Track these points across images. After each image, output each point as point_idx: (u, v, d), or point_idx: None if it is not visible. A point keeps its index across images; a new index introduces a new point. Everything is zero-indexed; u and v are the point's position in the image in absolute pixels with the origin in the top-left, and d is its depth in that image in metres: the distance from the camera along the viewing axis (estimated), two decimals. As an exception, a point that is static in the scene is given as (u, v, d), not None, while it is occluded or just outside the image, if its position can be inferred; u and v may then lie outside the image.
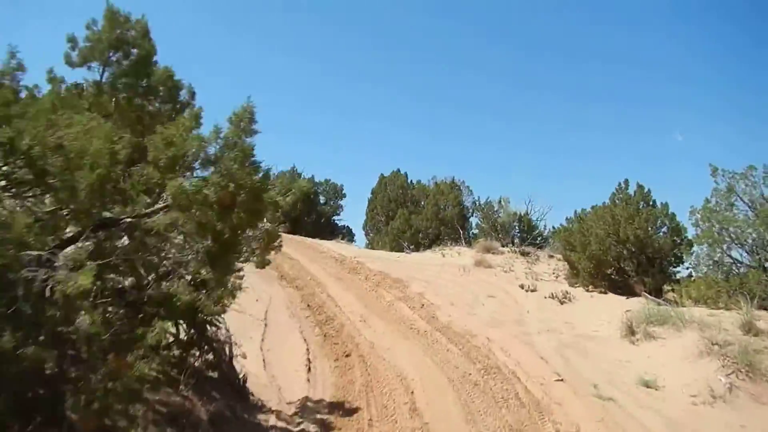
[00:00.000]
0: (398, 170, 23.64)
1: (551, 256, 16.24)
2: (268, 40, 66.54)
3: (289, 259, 14.45)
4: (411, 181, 23.46)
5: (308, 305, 10.35)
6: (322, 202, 24.84)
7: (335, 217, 25.29)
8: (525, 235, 17.98)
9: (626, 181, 13.31)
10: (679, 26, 45.93)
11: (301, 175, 24.53)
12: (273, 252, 6.50)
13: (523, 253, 16.09)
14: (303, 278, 12.54)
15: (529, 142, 62.57)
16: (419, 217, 21.69)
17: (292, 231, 22.35)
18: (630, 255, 12.48)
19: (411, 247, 21.10)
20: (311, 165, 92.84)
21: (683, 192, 43.03)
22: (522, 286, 12.30)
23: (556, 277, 13.86)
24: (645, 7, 46.93)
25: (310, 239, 18.57)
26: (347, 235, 24.90)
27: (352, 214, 54.99)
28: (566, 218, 18.03)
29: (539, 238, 17.93)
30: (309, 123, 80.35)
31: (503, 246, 17.27)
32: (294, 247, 16.23)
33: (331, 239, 20.79)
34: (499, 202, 19.03)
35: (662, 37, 47.83)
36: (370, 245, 22.43)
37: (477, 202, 20.06)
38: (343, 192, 25.23)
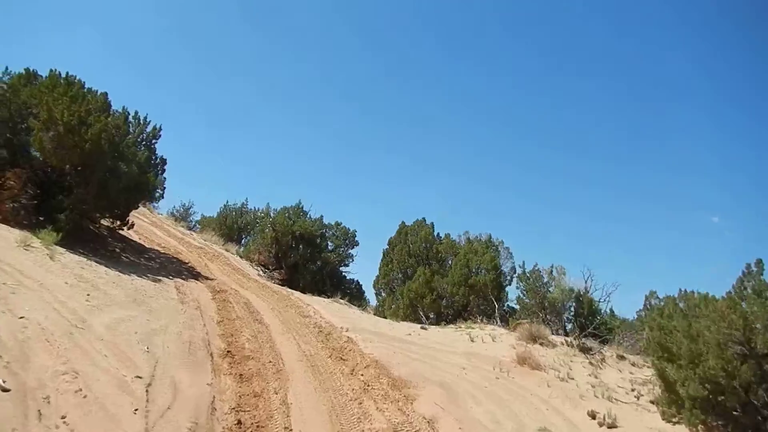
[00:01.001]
0: (423, 220, 19.49)
1: (622, 357, 11.68)
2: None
3: (258, 323, 10.33)
4: (438, 234, 19.25)
5: (238, 422, 6.06)
6: (329, 248, 20.78)
7: (343, 268, 21.11)
8: (584, 321, 13.43)
9: (759, 263, 8.84)
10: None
11: (307, 213, 20.61)
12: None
13: (583, 349, 11.56)
14: (260, 359, 8.35)
15: (571, 205, 58.66)
16: (444, 279, 17.38)
17: (288, 281, 18.27)
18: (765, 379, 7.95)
19: (430, 317, 16.70)
20: (322, 205, 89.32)
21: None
22: (592, 415, 7.85)
23: (638, 398, 9.32)
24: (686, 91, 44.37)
25: (303, 296, 14.42)
26: (355, 292, 20.62)
27: (364, 267, 50.92)
28: (647, 305, 13.60)
29: (602, 327, 13.32)
30: (327, 157, 77.81)
31: (554, 333, 12.80)
32: (274, 305, 12.14)
33: (332, 296, 16.63)
34: (551, 272, 14.59)
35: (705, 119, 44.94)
36: (381, 308, 18.10)
37: (521, 269, 15.55)
38: (356, 239, 21.17)
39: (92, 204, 12.12)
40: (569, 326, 14.38)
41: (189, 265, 15.57)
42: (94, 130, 11.73)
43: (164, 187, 34.98)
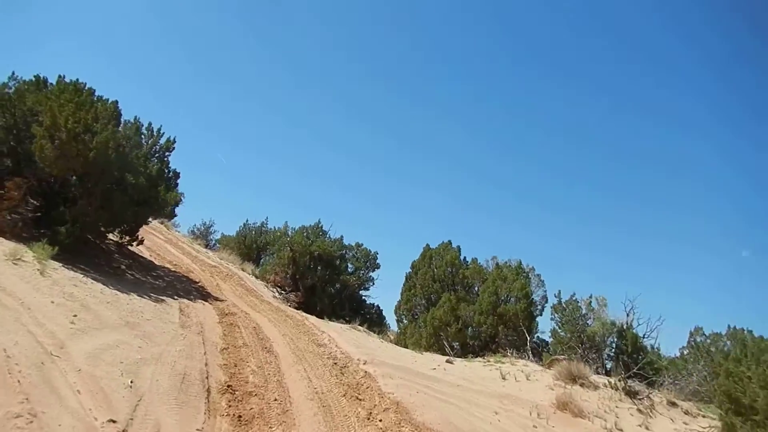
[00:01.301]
0: (449, 243, 18.35)
1: (673, 404, 10.32)
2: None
3: (266, 351, 9.30)
4: (464, 258, 18.08)
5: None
6: (349, 270, 19.72)
7: (363, 292, 20.00)
8: (627, 359, 12.08)
9: None
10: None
11: (326, 233, 19.63)
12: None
13: (630, 392, 10.24)
14: (265, 395, 7.29)
15: (599, 243, 57.31)
16: (471, 307, 16.17)
17: (305, 304, 17.23)
18: None
19: (455, 348, 15.47)
20: (342, 227, 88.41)
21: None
22: (654, 479, 6.61)
23: (700, 457, 8.03)
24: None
25: (319, 321, 13.34)
26: (375, 318, 19.47)
27: (386, 291, 49.66)
28: (692, 342, 12.30)
29: (647, 367, 11.94)
30: (350, 179, 77.23)
31: (594, 372, 11.49)
32: (286, 331, 11.11)
33: (350, 321, 15.51)
34: (589, 303, 13.30)
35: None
36: (402, 336, 16.90)
37: (557, 299, 14.23)
38: (377, 262, 20.08)
39: (95, 217, 11.27)
40: (609, 364, 13.05)
41: (199, 284, 14.65)
42: (99, 139, 10.96)
43: (178, 202, 34.72)
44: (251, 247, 29.05)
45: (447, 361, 11.90)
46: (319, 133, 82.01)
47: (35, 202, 12.44)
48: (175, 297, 11.70)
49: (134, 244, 14.69)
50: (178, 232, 29.29)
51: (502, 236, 62.85)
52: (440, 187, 76.16)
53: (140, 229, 14.80)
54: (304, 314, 13.87)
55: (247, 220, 29.85)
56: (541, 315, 17.04)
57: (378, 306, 20.19)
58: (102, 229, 12.21)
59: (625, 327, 12.58)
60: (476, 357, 13.93)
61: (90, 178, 11.21)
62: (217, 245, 31.29)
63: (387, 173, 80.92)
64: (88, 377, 5.75)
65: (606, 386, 10.66)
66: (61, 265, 9.86)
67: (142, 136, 14.30)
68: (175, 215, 35.04)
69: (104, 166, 11.22)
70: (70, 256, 11.17)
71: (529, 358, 13.83)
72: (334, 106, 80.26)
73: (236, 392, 7.17)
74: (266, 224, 29.23)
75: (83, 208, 11.18)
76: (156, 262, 15.88)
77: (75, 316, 7.41)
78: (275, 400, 7.20)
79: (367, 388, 8.09)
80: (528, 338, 14.74)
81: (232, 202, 71.16)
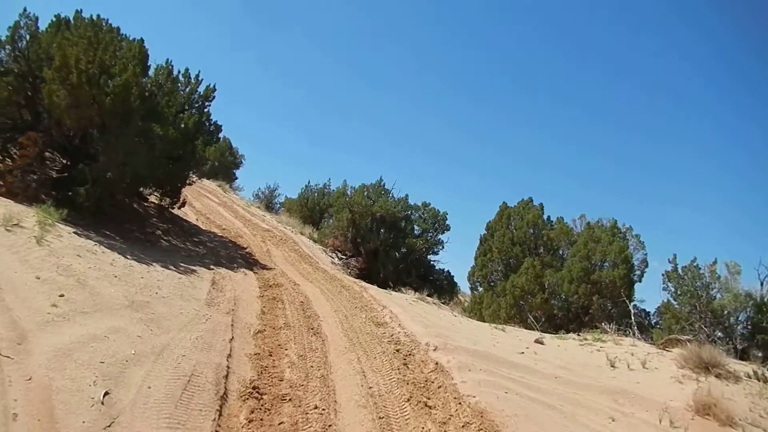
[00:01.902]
0: (530, 201, 15.85)
1: None
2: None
3: (313, 333, 7.46)
4: (548, 218, 15.57)
5: None
6: (415, 232, 17.63)
7: (432, 257, 17.89)
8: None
9: None
10: None
11: (389, 192, 17.56)
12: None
13: (787, 388, 7.71)
14: (303, 401, 5.39)
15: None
16: (558, 274, 13.79)
17: (366, 270, 15.37)
18: None
19: (540, 320, 13.20)
20: (407, 186, 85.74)
21: None
22: None
23: None
24: None
25: (380, 292, 11.40)
26: (445, 285, 17.38)
27: (457, 256, 47.35)
28: None
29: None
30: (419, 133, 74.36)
31: (731, 355, 8.99)
32: (340, 305, 9.27)
33: (417, 290, 13.51)
34: (714, 270, 10.60)
35: None
36: (477, 306, 14.76)
37: (672, 266, 11.49)
38: (447, 223, 17.84)
39: (118, 175, 9.68)
40: (741, 346, 10.42)
41: (246, 251, 13.04)
42: (118, 82, 9.26)
43: (236, 160, 33.59)
44: (313, 209, 27.84)
45: (536, 341, 9.68)
46: (386, 84, 79.52)
47: (63, 161, 11.11)
48: (212, 266, 10.05)
49: (176, 206, 13.21)
50: (238, 195, 28.25)
51: (585, 197, 58.81)
52: (511, 146, 72.43)
53: (183, 190, 13.32)
54: (363, 284, 11.97)
55: (309, 182, 28.54)
56: (640, 281, 14.47)
57: (448, 272, 18.06)
58: (128, 189, 10.64)
59: (766, 299, 9.88)
60: (568, 333, 11.63)
61: (110, 130, 9.59)
62: (282, 209, 30.30)
63: (454, 129, 77.83)
64: (39, 388, 4.02)
65: (750, 377, 8.16)
66: (73, 231, 8.33)
67: (179, 84, 12.62)
68: (235, 177, 34.75)
69: (125, 115, 9.55)
70: (95, 220, 9.74)
71: (635, 335, 11.42)
72: (404, 56, 77.39)
73: (264, 396, 5.31)
74: (329, 186, 27.89)
75: (104, 165, 9.61)
76: (202, 226, 14.42)
77: (62, 296, 5.75)
78: (315, 407, 5.30)
79: (440, 387, 6.05)
80: (632, 312, 12.26)
81: (300, 162, 70.45)
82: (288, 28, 79.95)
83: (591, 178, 69.61)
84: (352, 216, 16.79)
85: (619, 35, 63.94)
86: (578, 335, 11.18)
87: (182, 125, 11.28)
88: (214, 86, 12.98)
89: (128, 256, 8.23)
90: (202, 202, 19.06)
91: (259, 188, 32.24)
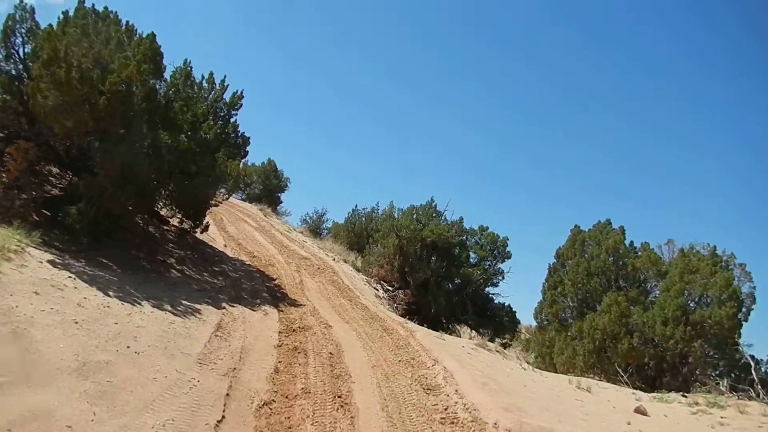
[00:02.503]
0: (608, 223, 13.47)
1: None
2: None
3: (339, 406, 5.51)
4: (631, 243, 13.12)
5: None
6: (471, 260, 15.46)
7: (491, 289, 15.64)
8: None
9: None
10: None
11: (441, 215, 15.51)
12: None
13: None
14: None
15: None
16: (648, 313, 11.32)
17: (416, 305, 13.33)
18: None
19: (629, 372, 10.74)
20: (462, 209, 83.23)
21: None
22: None
23: None
24: None
25: (430, 340, 9.27)
26: (507, 322, 15.09)
27: (519, 286, 44.47)
28: None
29: None
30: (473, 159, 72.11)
31: None
32: (380, 359, 7.24)
33: (476, 330, 11.33)
34: None
35: None
36: (547, 351, 12.41)
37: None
38: (507, 250, 15.59)
39: (116, 192, 8.03)
40: None
41: (275, 282, 11.21)
42: (115, 79, 7.67)
43: (281, 183, 32.22)
44: (360, 235, 26.20)
45: (637, 411, 7.33)
46: (446, 105, 77.91)
47: (69, 175, 9.66)
48: (225, 304, 8.21)
49: (199, 230, 11.59)
50: (282, 219, 26.86)
51: (650, 221, 54.95)
52: (572, 167, 69.28)
53: (206, 211, 11.71)
54: (410, 325, 9.91)
55: (356, 206, 26.98)
56: (746, 321, 11.81)
57: (509, 307, 15.75)
58: (133, 208, 9.01)
59: None
60: (669, 392, 9.17)
61: (108, 137, 8.00)
62: (329, 235, 28.89)
63: (510, 150, 75.29)
64: None
65: None
66: (49, 258, 6.68)
67: (202, 90, 11.10)
68: (280, 201, 33.43)
69: (126, 120, 7.95)
70: (95, 246, 8.14)
71: (760, 397, 8.91)
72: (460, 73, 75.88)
73: None
74: (377, 209, 26.29)
75: (99, 180, 8.00)
76: (229, 253, 12.72)
77: (-28, 358, 3.97)
78: None
79: None
80: (751, 362, 9.71)
81: (351, 185, 69.25)
82: (344, 47, 79.85)
83: (659, 200, 65.38)
84: (399, 242, 14.81)
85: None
86: (685, 397, 8.73)
87: (202, 135, 9.64)
88: (242, 93, 11.41)
89: (110, 293, 6.47)
90: (238, 227, 17.52)
91: (307, 213, 30.89)
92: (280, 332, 7.57)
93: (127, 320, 5.86)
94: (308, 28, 77.37)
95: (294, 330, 7.79)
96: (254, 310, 8.45)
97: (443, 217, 15.47)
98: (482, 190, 73.46)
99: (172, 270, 9.36)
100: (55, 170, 9.94)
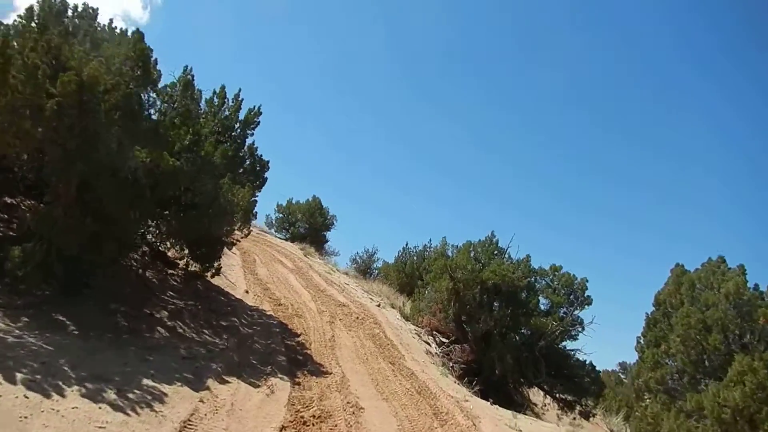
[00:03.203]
0: (722, 261, 10.53)
1: None
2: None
3: None
4: (756, 287, 10.10)
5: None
6: (542, 307, 12.73)
7: (567, 344, 12.78)
8: None
9: None
10: None
11: (504, 252, 12.91)
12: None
13: None
14: None
15: None
16: (796, 383, 8.28)
17: (476, 363, 10.77)
18: None
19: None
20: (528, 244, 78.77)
21: None
22: None
23: None
24: None
25: (499, 423, 6.69)
26: (589, 386, 12.17)
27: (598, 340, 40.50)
28: None
29: None
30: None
31: None
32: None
33: (550, 393, 8.59)
34: None
35: None
36: (651, 429, 9.47)
37: None
38: (587, 295, 12.77)
39: (71, 228, 5.99)
40: None
41: (299, 340, 8.91)
42: (69, 77, 5.74)
43: (326, 221, 30.32)
44: (411, 275, 23.83)
45: None
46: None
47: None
48: (213, 380, 5.91)
49: (208, 274, 9.52)
50: (327, 260, 24.80)
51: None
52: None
53: (220, 252, 9.65)
54: (470, 404, 7.35)
55: (406, 244, 24.71)
56: None
57: (591, 364, 12.79)
58: (105, 246, 6.90)
59: None
60: None
61: (67, 155, 6.02)
62: (379, 275, 26.72)
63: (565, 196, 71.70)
64: None
65: None
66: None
67: (213, 106, 9.21)
68: (326, 240, 31.35)
69: (88, 133, 5.97)
70: (67, 296, 6.15)
71: None
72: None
73: None
74: (429, 247, 24.01)
75: (51, 210, 6.02)
76: (249, 301, 10.56)
77: None
78: None
79: None
80: None
81: (402, 223, 66.95)
82: (398, 88, 78.95)
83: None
84: (454, 285, 12.27)
85: None
86: None
87: (201, 156, 7.61)
88: (259, 108, 9.47)
89: (23, 372, 4.31)
90: (271, 269, 15.46)
91: (356, 252, 28.78)
92: (283, 425, 5.20)
93: (19, 426, 3.65)
94: (366, 66, 77.03)
95: (305, 421, 5.41)
96: (256, 387, 6.14)
97: (506, 255, 12.87)
98: (538, 233, 69.71)
99: (159, 328, 7.20)
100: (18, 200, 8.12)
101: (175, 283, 9.35)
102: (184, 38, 67.21)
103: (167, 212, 7.49)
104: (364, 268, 27.98)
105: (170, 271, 9.72)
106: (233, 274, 12.39)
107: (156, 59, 7.30)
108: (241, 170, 9.52)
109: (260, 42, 72.72)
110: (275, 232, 29.41)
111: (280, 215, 29.99)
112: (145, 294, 8.12)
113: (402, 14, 70.52)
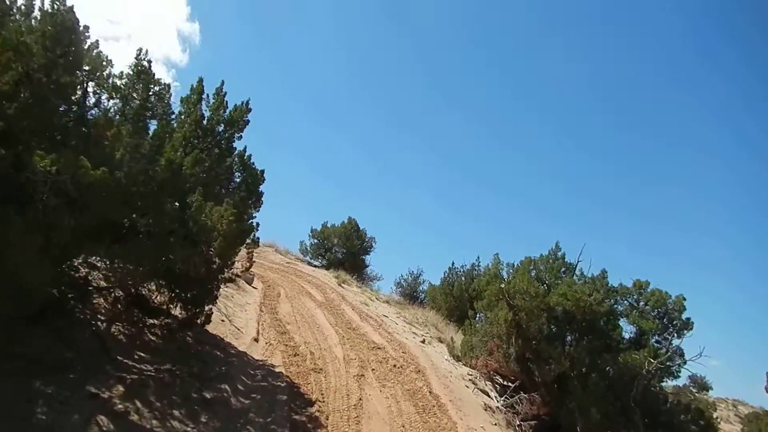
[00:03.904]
0: None
1: None
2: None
3: None
4: None
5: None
6: (628, 336, 10.02)
7: (667, 382, 9.98)
8: None
9: None
10: None
11: (574, 268, 10.30)
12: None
13: None
14: None
15: None
16: None
17: (548, 421, 8.20)
18: None
19: None
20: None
21: None
22: None
23: None
24: None
25: None
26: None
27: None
28: None
29: None
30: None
31: None
32: None
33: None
34: None
35: None
36: None
37: None
38: (686, 317, 9.99)
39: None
40: None
41: (310, 412, 6.57)
42: None
43: (364, 244, 28.22)
44: (460, 298, 21.40)
45: None
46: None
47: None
48: None
49: (196, 324, 7.38)
50: (366, 286, 22.59)
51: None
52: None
53: (213, 294, 7.48)
54: None
55: (452, 263, 22.33)
56: None
57: (698, 410, 9.88)
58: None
59: None
60: None
61: None
62: (426, 298, 24.43)
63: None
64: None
65: None
66: None
67: (189, 103, 7.15)
68: (366, 265, 28.94)
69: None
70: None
71: None
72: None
73: None
74: (478, 265, 21.62)
75: None
76: (255, 354, 8.32)
77: None
78: None
79: None
80: None
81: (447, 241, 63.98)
82: (448, 109, 76.62)
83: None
84: (514, 315, 9.75)
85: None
86: None
87: (168, 162, 5.48)
88: (247, 104, 7.31)
89: None
90: (296, 304, 13.27)
91: (401, 275, 26.42)
92: None
93: None
94: (407, 82, 75.11)
95: None
96: None
97: (577, 273, 10.26)
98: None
99: (100, 418, 5.00)
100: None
101: (153, 339, 7.19)
102: (224, 75, 67.92)
103: (109, 245, 5.31)
104: (410, 292, 25.69)
105: (151, 322, 7.59)
106: (243, 317, 10.22)
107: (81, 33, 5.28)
108: (232, 185, 7.38)
109: (297, 67, 72.01)
110: (311, 259, 27.39)
111: (315, 241, 27.92)
112: (98, 360, 5.97)
113: (431, 29, 68.68)
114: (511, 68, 73.29)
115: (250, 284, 14.43)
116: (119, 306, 7.28)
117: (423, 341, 12.80)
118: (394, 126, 75.98)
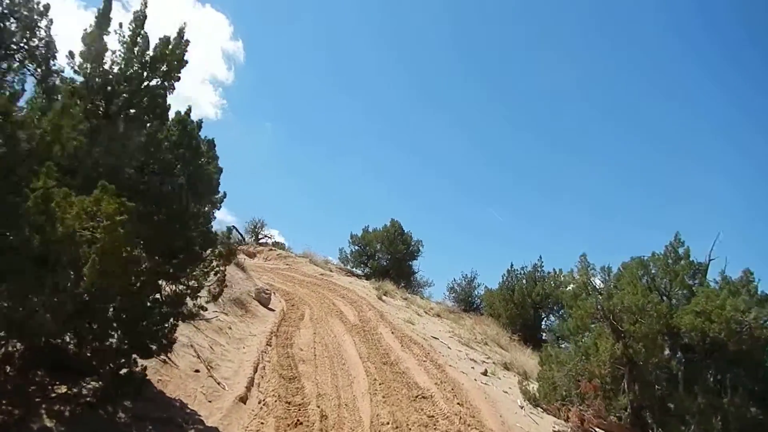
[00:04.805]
0: None
1: None
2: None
3: None
4: None
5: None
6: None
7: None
8: None
9: None
10: None
11: (705, 269, 6.87)
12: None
13: None
14: None
15: None
16: None
17: None
18: None
19: None
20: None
21: None
22: None
23: None
24: None
25: None
26: None
27: None
28: None
29: None
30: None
31: None
32: None
33: None
34: None
35: None
36: None
37: None
38: None
39: None
40: None
41: None
42: None
43: (410, 248, 25.27)
44: (523, 305, 18.72)
45: None
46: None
47: None
48: None
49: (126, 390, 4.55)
50: (413, 295, 19.79)
51: None
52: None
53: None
54: None
55: (511, 265, 19.58)
56: None
57: None
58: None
59: None
60: None
61: None
62: (482, 304, 21.91)
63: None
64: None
65: None
66: None
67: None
68: (413, 272, 25.81)
69: None
70: None
71: None
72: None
73: None
74: (541, 266, 18.79)
75: None
76: (233, 429, 5.42)
77: None
78: None
79: None
80: None
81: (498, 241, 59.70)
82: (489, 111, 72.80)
83: None
84: (624, 347, 6.51)
85: None
86: None
87: None
88: (183, 40, 4.46)
89: None
90: (321, 329, 10.49)
91: (453, 279, 24.10)
92: None
93: None
94: (453, 79, 71.70)
95: None
96: None
97: (714, 280, 6.93)
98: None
99: None
100: None
101: (66, 412, 4.43)
102: (271, 90, 67.48)
103: None
104: (465, 297, 23.49)
105: (64, 391, 4.83)
106: (236, 358, 7.41)
107: None
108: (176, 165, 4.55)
109: (345, 72, 69.81)
110: (353, 268, 24.71)
111: (356, 247, 25.21)
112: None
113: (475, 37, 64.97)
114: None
115: (266, 306, 11.70)
116: (15, 363, 4.59)
117: (485, 372, 9.72)
118: (449, 127, 72.12)
